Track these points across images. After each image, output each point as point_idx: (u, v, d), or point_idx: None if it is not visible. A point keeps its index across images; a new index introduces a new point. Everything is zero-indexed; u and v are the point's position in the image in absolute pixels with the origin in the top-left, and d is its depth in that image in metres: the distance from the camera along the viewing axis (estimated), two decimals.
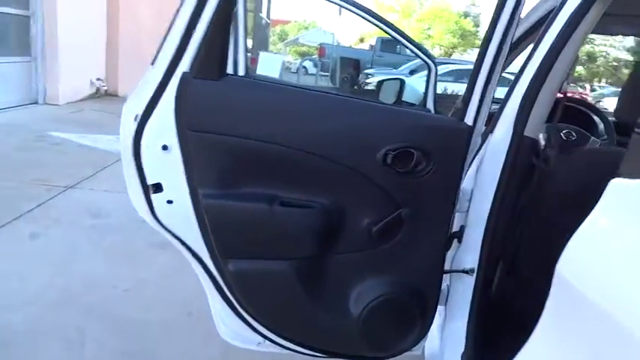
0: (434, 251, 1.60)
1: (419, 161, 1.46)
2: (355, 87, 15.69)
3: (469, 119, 1.51)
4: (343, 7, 2.35)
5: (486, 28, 1.48)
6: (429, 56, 2.81)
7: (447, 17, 37.52)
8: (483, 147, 1.71)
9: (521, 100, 1.58)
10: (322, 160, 1.45)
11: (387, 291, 1.58)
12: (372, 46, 22.03)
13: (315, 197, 1.48)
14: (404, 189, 1.50)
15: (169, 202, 1.45)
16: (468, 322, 1.73)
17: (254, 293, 1.53)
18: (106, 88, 10.08)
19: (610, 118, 2.56)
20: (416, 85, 5.72)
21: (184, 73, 1.36)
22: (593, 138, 2.35)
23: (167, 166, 1.41)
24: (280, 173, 1.46)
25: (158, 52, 1.38)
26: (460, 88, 6.91)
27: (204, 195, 1.42)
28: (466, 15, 39.41)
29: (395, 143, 1.46)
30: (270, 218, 1.44)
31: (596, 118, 2.58)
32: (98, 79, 9.93)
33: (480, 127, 1.58)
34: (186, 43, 1.34)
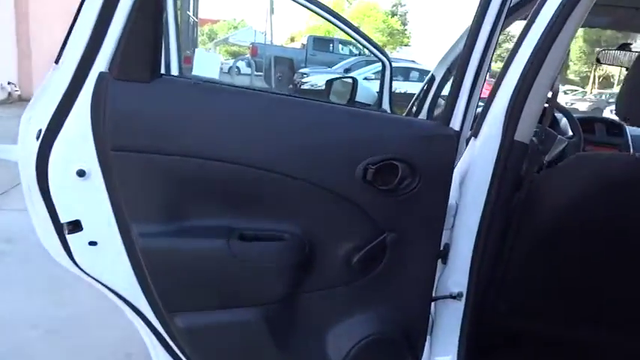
0: (423, 278, 1.37)
1: (404, 176, 1.22)
2: (291, 86, 15.41)
3: (455, 124, 1.29)
4: (297, 2, 2.09)
5: (472, 20, 1.27)
6: (384, 53, 2.60)
7: (375, 16, 38.19)
8: (465, 154, 1.50)
9: (510, 101, 1.38)
10: (289, 180, 1.17)
11: (372, 330, 1.33)
12: (303, 45, 21.87)
13: (283, 226, 1.20)
14: (387, 210, 1.26)
15: (92, 243, 1.12)
16: (458, 356, 1.52)
17: (212, 353, 1.22)
18: (19, 92, 9.21)
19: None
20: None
21: (101, 74, 1.03)
22: (559, 137, 2.23)
23: (86, 197, 1.08)
24: (237, 199, 1.17)
25: (64, 45, 1.04)
26: (398, 86, 6.84)
27: (140, 233, 1.10)
28: (393, 14, 40.32)
29: (375, 155, 1.21)
30: (228, 257, 1.14)
31: (558, 114, 2.47)
32: (10, 83, 9.04)
33: (466, 132, 1.37)
34: (102, 33, 1.02)
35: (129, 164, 1.06)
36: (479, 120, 1.48)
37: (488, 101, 1.47)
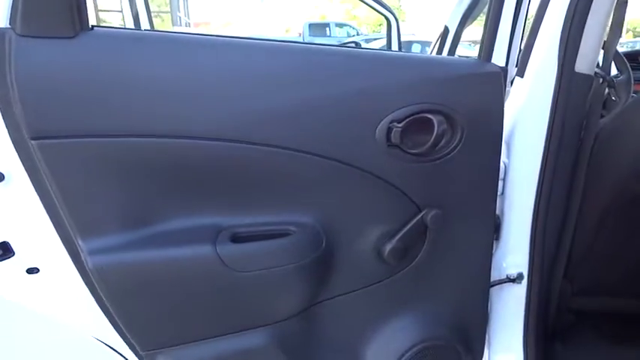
0: (476, 263, 1.06)
1: (441, 132, 0.90)
2: None
3: (498, 60, 0.97)
4: None
5: None
6: (388, 9, 2.27)
7: None
8: (510, 99, 1.17)
9: (564, 25, 1.05)
10: (288, 155, 0.86)
11: (419, 337, 1.03)
12: (300, 34, 21.48)
13: (288, 217, 0.89)
14: (422, 180, 0.95)
15: (32, 271, 0.82)
16: (525, 354, 1.21)
17: None
18: None
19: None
20: None
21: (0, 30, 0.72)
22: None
23: (9, 209, 0.78)
24: (221, 188, 0.86)
25: None
26: None
27: (90, 250, 0.79)
28: None
29: (401, 108, 0.89)
30: (218, 267, 0.84)
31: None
32: None
33: (512, 70, 1.05)
34: None
35: (60, 156, 0.76)
36: (523, 54, 1.14)
37: (533, 29, 1.13)
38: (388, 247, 0.95)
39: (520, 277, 1.18)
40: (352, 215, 0.94)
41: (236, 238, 0.85)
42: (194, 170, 0.83)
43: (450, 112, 0.93)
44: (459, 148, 0.95)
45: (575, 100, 1.09)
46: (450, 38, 2.11)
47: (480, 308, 1.09)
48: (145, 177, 0.81)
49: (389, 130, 0.90)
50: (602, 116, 1.20)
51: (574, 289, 1.32)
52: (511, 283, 1.20)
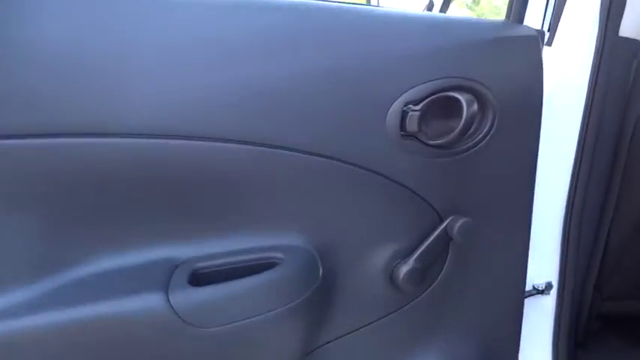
0: (510, 280, 0.85)
1: (471, 115, 0.67)
2: None
3: (533, 23, 0.76)
4: None
5: None
6: None
7: None
8: None
9: None
10: (272, 156, 0.62)
11: None
12: None
13: (274, 239, 0.65)
14: (446, 179, 0.72)
15: None
16: None
17: None
18: None
19: None
20: None
21: None
22: None
23: None
24: (175, 204, 0.61)
25: None
26: None
27: None
28: None
29: (417, 85, 0.66)
30: (173, 325, 0.58)
31: None
32: None
33: (550, 35, 0.84)
34: None
35: None
36: (554, 18, 0.92)
37: None
38: (403, 269, 0.72)
39: (549, 287, 0.98)
40: (356, 231, 0.70)
41: (198, 278, 0.60)
42: (131, 182, 0.57)
43: (480, 88, 0.70)
44: (490, 135, 0.72)
45: (619, 73, 0.88)
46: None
47: (512, 332, 0.88)
48: (54, 197, 0.54)
49: (403, 115, 0.66)
50: None
51: (603, 296, 1.14)
52: (538, 295, 0.99)
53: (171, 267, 0.60)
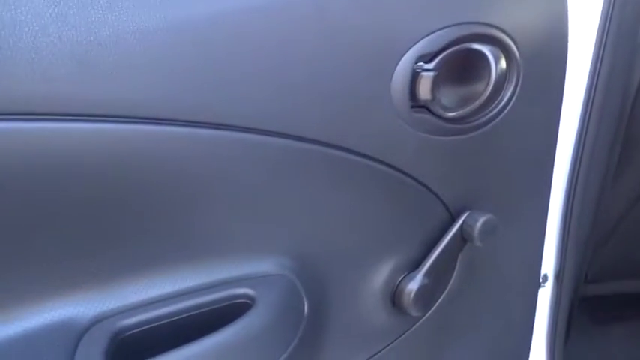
0: (524, 280, 0.70)
1: (500, 75, 0.49)
2: None
3: None
4: None
5: None
6: None
7: None
8: None
9: None
10: (231, 142, 0.39)
11: None
12: None
13: (242, 266, 0.43)
14: (461, 164, 0.54)
15: None
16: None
17: None
18: None
19: None
20: None
21: None
22: None
23: None
24: (82, 220, 0.37)
25: None
26: None
27: None
28: None
29: (430, 33, 0.47)
30: None
31: None
32: None
33: None
34: None
35: None
36: None
37: None
38: (410, 288, 0.54)
39: (544, 278, 0.85)
40: (349, 243, 0.50)
41: (121, 347, 0.37)
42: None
43: (505, 39, 0.52)
44: (512, 104, 0.55)
45: (629, 25, 0.74)
46: None
47: (524, 341, 0.74)
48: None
49: (414, 77, 0.47)
50: None
51: (587, 278, 1.04)
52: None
53: (76, 331, 0.37)
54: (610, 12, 0.69)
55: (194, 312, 0.40)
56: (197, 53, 0.38)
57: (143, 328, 0.38)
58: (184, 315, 0.40)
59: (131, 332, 0.38)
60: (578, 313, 1.14)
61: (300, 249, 0.48)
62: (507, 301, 0.67)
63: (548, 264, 0.86)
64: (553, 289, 0.87)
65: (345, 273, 0.52)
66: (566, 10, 0.58)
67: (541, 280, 0.85)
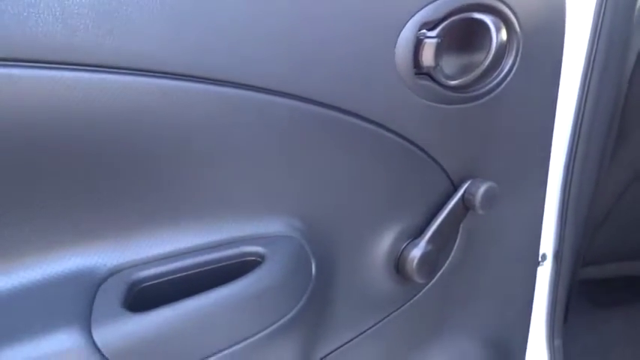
0: (524, 254, 0.71)
1: (501, 44, 0.51)
2: None
3: None
4: None
5: None
6: None
7: None
8: None
9: None
10: (238, 100, 0.41)
11: None
12: None
13: (252, 226, 0.45)
14: (461, 131, 0.56)
15: None
16: (550, 352, 0.92)
17: None
18: None
19: None
20: None
21: None
22: None
23: None
24: (93, 175, 0.38)
25: None
26: None
27: None
28: None
29: (433, 1, 0.48)
30: None
31: None
32: None
33: None
34: None
35: None
36: None
37: None
38: (414, 254, 0.55)
39: (543, 258, 0.86)
40: (355, 207, 0.52)
41: (137, 297, 0.39)
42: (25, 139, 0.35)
43: (505, 10, 0.53)
44: (512, 74, 0.56)
45: (625, 7, 0.76)
46: None
47: (524, 314, 0.75)
48: None
49: (417, 44, 0.48)
50: None
51: (585, 261, 1.05)
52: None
53: (95, 280, 0.38)
54: None
55: (207, 267, 0.41)
56: (208, 11, 0.39)
57: (159, 280, 0.39)
58: (197, 270, 0.41)
59: (147, 284, 0.39)
60: (577, 295, 1.16)
61: (307, 211, 0.49)
62: (508, 273, 0.69)
63: (547, 244, 0.87)
64: (552, 269, 0.88)
65: (350, 237, 0.53)
66: None
67: (540, 259, 0.87)
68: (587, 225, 0.93)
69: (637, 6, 0.78)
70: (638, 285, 1.29)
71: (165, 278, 0.40)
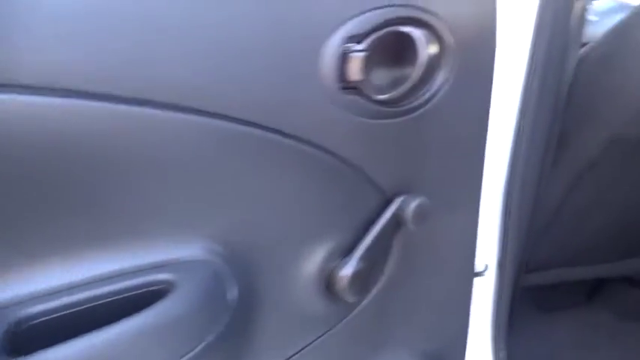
0: (459, 267, 0.71)
1: (430, 58, 0.49)
2: None
3: None
4: None
5: None
6: None
7: None
8: None
9: None
10: (151, 119, 0.38)
11: None
12: None
13: (161, 251, 0.41)
14: (392, 146, 0.54)
15: None
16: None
17: None
18: None
19: None
20: None
21: None
22: None
23: None
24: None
25: None
26: None
27: None
28: None
29: (360, 14, 0.46)
30: None
31: None
32: None
33: None
34: None
35: None
36: None
37: None
38: (345, 272, 0.53)
39: (485, 268, 0.86)
40: (280, 226, 0.49)
41: (23, 336, 0.35)
42: None
43: (435, 22, 0.52)
44: (445, 88, 0.55)
45: (563, 15, 0.76)
46: None
47: (461, 326, 0.75)
48: None
49: (343, 57, 0.46)
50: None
51: (528, 268, 1.06)
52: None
53: None
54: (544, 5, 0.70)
55: (106, 300, 0.38)
56: (119, 28, 0.36)
57: (47, 317, 0.36)
58: (96, 303, 0.38)
59: (34, 322, 0.35)
60: (523, 302, 1.17)
61: (228, 233, 0.46)
62: (444, 286, 0.68)
63: (491, 254, 0.87)
64: (496, 279, 0.88)
65: (277, 258, 0.51)
66: (495, 1, 0.58)
67: (482, 269, 0.86)
68: (530, 232, 0.93)
69: (573, 16, 0.79)
70: (582, 289, 1.32)
71: (56, 315, 0.36)
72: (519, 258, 0.92)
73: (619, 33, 0.80)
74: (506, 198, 0.80)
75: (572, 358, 1.23)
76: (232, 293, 0.45)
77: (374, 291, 0.60)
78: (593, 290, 1.36)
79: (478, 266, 0.84)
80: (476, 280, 0.86)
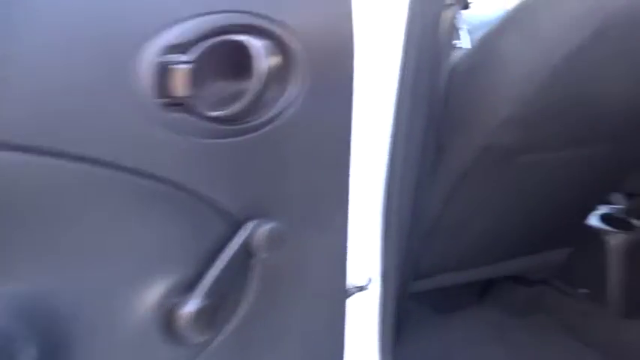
0: (329, 287, 0.67)
1: (270, 72, 0.45)
2: None
3: None
4: None
5: None
6: None
7: None
8: None
9: None
10: None
11: None
12: None
13: None
14: (235, 167, 0.49)
15: None
16: None
17: None
18: None
19: None
20: None
21: None
22: None
23: None
24: None
25: None
26: None
27: None
28: None
29: (183, 21, 0.40)
30: None
31: None
32: None
33: None
34: None
35: None
36: None
37: None
38: (186, 311, 0.47)
39: (368, 282, 0.84)
40: (108, 268, 0.42)
41: None
42: None
43: (280, 31, 0.47)
44: (296, 103, 0.51)
45: (432, 27, 0.75)
46: None
47: (337, 348, 0.71)
48: None
49: (164, 70, 0.40)
50: None
51: (416, 274, 1.06)
52: (356, 291, 0.85)
53: None
54: (413, 13, 0.68)
55: None
56: None
57: None
58: None
59: None
60: (420, 306, 1.17)
61: (37, 280, 0.39)
62: (312, 313, 0.64)
63: (373, 267, 0.85)
64: (381, 291, 0.86)
65: (103, 304, 0.44)
66: (351, 9, 0.55)
67: (365, 283, 0.84)
68: (412, 242, 0.93)
69: (441, 26, 0.79)
70: (473, 290, 1.37)
71: None
72: (403, 268, 0.90)
73: (485, 43, 0.81)
74: (386, 210, 0.78)
75: (464, 355, 1.26)
76: (29, 351, 0.37)
77: (230, 327, 0.54)
78: (484, 290, 1.40)
79: (361, 281, 0.82)
80: (360, 295, 0.84)
